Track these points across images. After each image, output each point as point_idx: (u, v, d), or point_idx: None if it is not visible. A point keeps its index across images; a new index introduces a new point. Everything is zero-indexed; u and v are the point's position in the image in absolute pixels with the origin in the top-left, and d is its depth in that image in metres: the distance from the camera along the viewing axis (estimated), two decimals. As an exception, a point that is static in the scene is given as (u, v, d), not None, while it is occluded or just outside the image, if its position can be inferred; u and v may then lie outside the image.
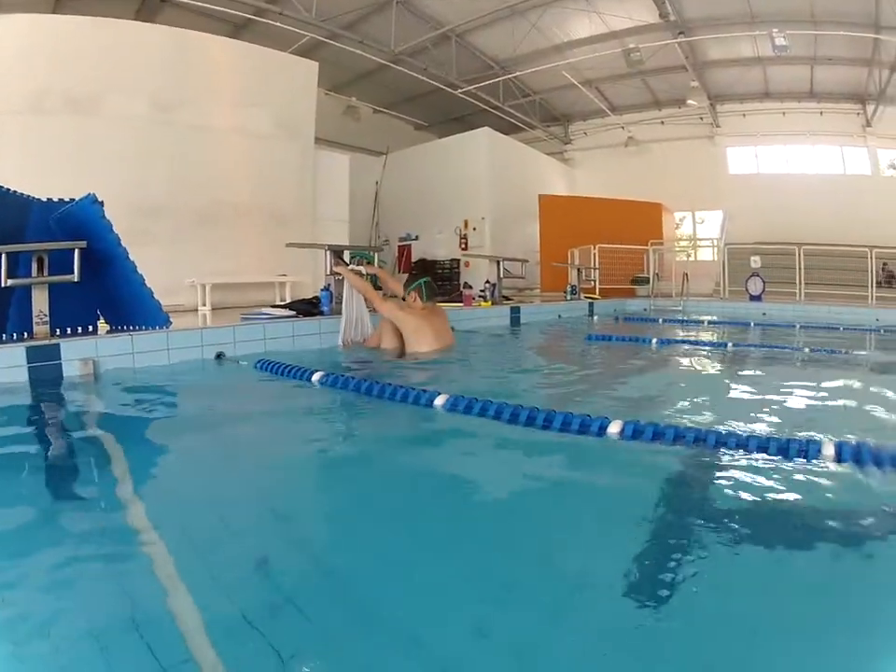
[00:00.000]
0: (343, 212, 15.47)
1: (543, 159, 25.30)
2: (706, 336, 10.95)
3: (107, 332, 6.31)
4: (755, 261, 17.15)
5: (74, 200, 6.17)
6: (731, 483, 2.99)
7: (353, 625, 1.76)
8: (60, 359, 5.32)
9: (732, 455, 3.27)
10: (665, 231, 22.77)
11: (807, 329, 11.56)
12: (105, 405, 4.67)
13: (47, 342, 5.39)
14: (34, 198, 6.34)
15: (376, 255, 9.55)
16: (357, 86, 22.12)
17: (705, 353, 8.58)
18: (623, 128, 26.49)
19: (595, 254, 18.00)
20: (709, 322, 13.29)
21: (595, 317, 14.00)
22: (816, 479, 2.94)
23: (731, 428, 3.75)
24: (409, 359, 6.54)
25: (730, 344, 9.09)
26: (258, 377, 5.74)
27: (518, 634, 1.74)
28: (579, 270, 16.30)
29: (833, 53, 19.88)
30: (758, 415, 4.43)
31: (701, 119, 25.38)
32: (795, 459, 3.15)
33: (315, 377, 5.19)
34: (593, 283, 17.55)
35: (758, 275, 16.53)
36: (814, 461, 3.10)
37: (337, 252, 8.19)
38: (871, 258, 16.23)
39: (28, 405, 4.59)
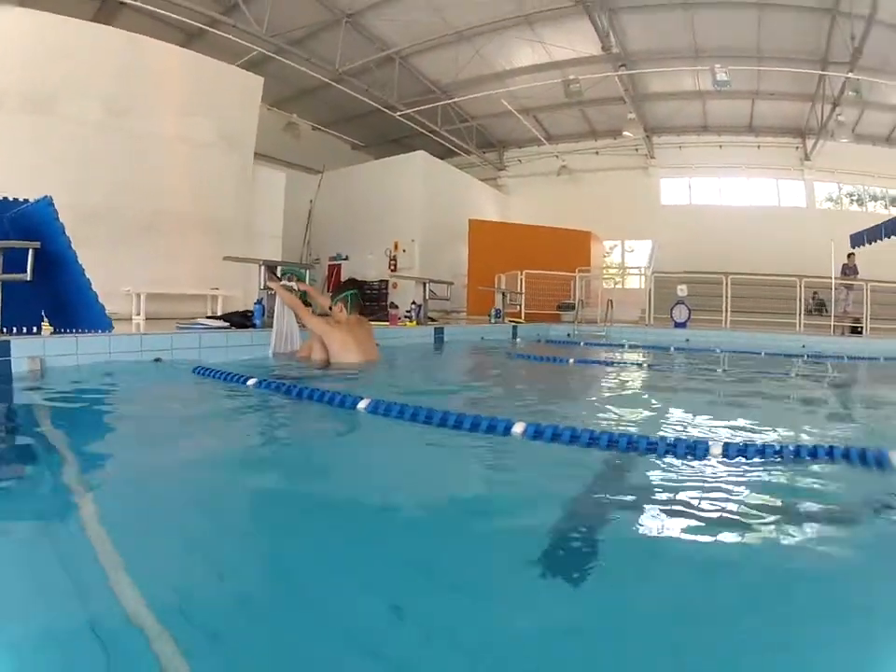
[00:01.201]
0: (277, 228, 15.67)
1: (476, 184, 25.78)
2: (622, 357, 11.39)
3: (52, 333, 6.55)
4: (681, 290, 17.65)
5: (28, 200, 6.38)
6: (632, 477, 3.48)
7: (283, 610, 1.80)
8: (10, 356, 5.53)
9: (630, 454, 3.73)
10: (593, 258, 23.12)
11: (726, 354, 12.10)
12: (51, 401, 4.82)
13: None
14: (-14, 196, 6.48)
15: (307, 272, 9.88)
16: (298, 102, 22.38)
17: (618, 372, 9.15)
18: (557, 156, 26.96)
19: (521, 279, 18.39)
20: (629, 346, 13.67)
21: (518, 340, 14.26)
22: (696, 472, 3.42)
23: (629, 431, 4.26)
24: (335, 369, 6.90)
25: (644, 365, 9.73)
26: (195, 381, 6.02)
27: (437, 614, 1.79)
28: (504, 294, 16.68)
29: (776, 88, 20.77)
30: (657, 421, 5.02)
31: (636, 150, 26.19)
32: (686, 457, 3.59)
33: (250, 381, 5.50)
34: (518, 307, 17.95)
35: (683, 303, 17.15)
36: (703, 459, 3.55)
37: (271, 267, 8.49)
38: (800, 287, 17.16)
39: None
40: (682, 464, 3.57)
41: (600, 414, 5.34)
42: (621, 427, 4.64)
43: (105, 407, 4.90)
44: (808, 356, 11.86)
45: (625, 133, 22.81)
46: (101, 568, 1.88)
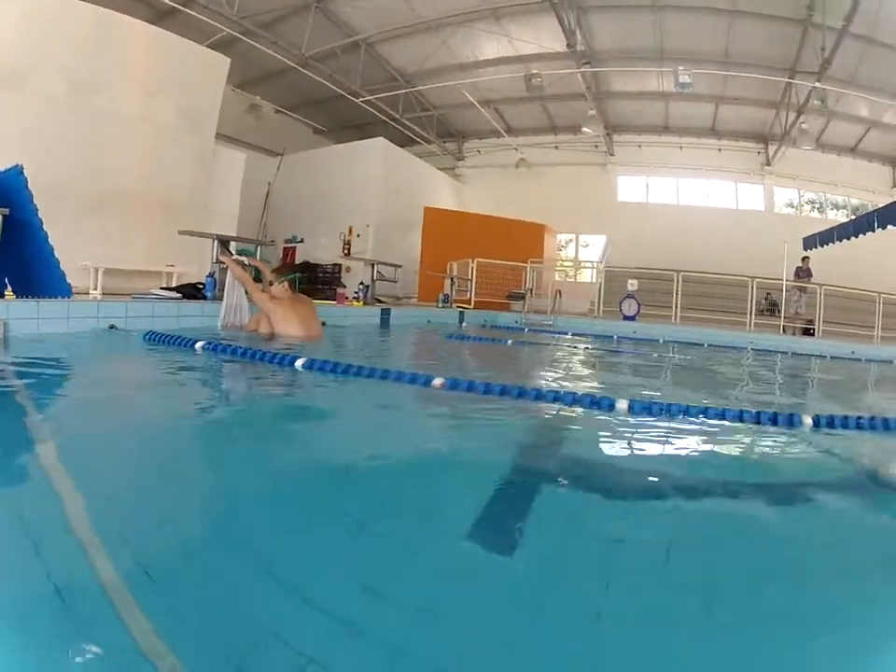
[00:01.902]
0: (233, 208, 15.89)
1: (434, 173, 26.02)
2: (560, 342, 11.90)
3: (14, 299, 6.79)
4: (632, 284, 18.23)
5: None
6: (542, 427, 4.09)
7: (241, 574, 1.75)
8: None
9: (552, 406, 4.37)
10: (546, 251, 23.60)
11: (669, 344, 12.75)
12: (14, 362, 5.02)
13: None
14: (-43, 164, 6.73)
15: (258, 249, 10.24)
16: (263, 84, 22.39)
17: (555, 351, 9.73)
18: (516, 149, 27.26)
19: (472, 267, 18.76)
20: (573, 334, 14.05)
21: (465, 324, 14.65)
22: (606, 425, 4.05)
23: (555, 388, 4.80)
24: (279, 341, 7.31)
25: (582, 346, 10.28)
26: (146, 346, 6.37)
27: (371, 570, 1.82)
28: (452, 280, 17.12)
29: (741, 93, 21.22)
30: (581, 382, 5.68)
31: (596, 146, 26.57)
32: (593, 410, 4.26)
33: (198, 344, 5.95)
34: (469, 295, 18.41)
35: (633, 297, 17.74)
36: (612, 413, 4.20)
37: (224, 242, 8.97)
38: (752, 287, 17.86)
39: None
40: (585, 414, 4.20)
41: (516, 376, 5.96)
42: (528, 383, 5.24)
43: (59, 372, 5.14)
44: (750, 349, 12.44)
45: (585, 129, 22.97)
46: (62, 521, 1.96)
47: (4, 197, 6.38)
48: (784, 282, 18.00)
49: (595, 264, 24.10)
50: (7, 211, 6.17)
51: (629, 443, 3.67)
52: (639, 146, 26.47)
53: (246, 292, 8.16)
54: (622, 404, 4.23)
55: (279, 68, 20.78)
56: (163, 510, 2.21)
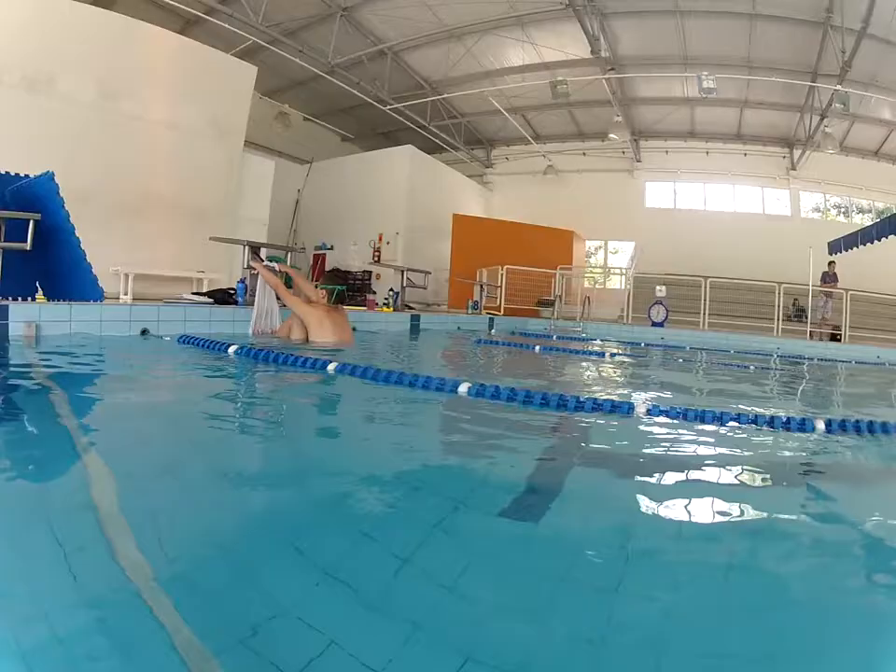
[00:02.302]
0: (263, 215, 15.91)
1: (462, 180, 26.00)
2: (589, 348, 11.70)
3: (46, 301, 6.87)
4: (660, 290, 18.08)
5: (28, 175, 6.72)
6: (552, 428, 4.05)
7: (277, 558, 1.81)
8: (7, 320, 5.87)
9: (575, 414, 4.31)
10: (575, 257, 23.44)
11: (695, 351, 12.56)
12: (47, 362, 5.09)
13: None
14: (-10, 170, 6.78)
15: (289, 255, 10.24)
16: (290, 92, 22.50)
17: (582, 359, 9.65)
18: (544, 156, 27.06)
19: (502, 274, 18.70)
20: (601, 340, 13.97)
21: (494, 331, 14.57)
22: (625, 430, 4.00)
23: (580, 395, 4.74)
24: (311, 347, 7.28)
25: (607, 355, 10.18)
26: (179, 349, 6.40)
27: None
28: (482, 286, 17.07)
29: (764, 98, 20.97)
30: (605, 389, 5.66)
31: (623, 153, 26.33)
32: (611, 414, 4.25)
33: (231, 349, 5.94)
34: (498, 301, 18.33)
35: (661, 303, 17.58)
36: (628, 416, 4.21)
37: (254, 248, 8.94)
38: (779, 293, 17.63)
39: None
40: (606, 420, 4.15)
41: (541, 382, 5.92)
42: (553, 389, 5.19)
43: (93, 371, 5.17)
44: (778, 356, 12.32)
45: (611, 135, 22.85)
46: (96, 512, 1.98)
47: (36, 203, 6.42)
48: (810, 287, 17.75)
49: (623, 271, 23.96)
50: (38, 216, 6.17)
51: (645, 445, 3.68)
52: (666, 151, 26.27)
53: (278, 297, 8.13)
54: (641, 409, 4.28)
55: (306, 76, 20.88)
56: (195, 497, 2.29)
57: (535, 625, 1.55)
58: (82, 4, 12.16)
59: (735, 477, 3.00)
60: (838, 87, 17.71)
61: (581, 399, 4.37)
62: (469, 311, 15.77)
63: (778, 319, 17.78)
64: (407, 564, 1.78)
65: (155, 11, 15.87)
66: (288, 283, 8.76)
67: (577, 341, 13.38)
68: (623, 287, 22.90)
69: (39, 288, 7.24)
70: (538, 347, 10.17)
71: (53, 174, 6.36)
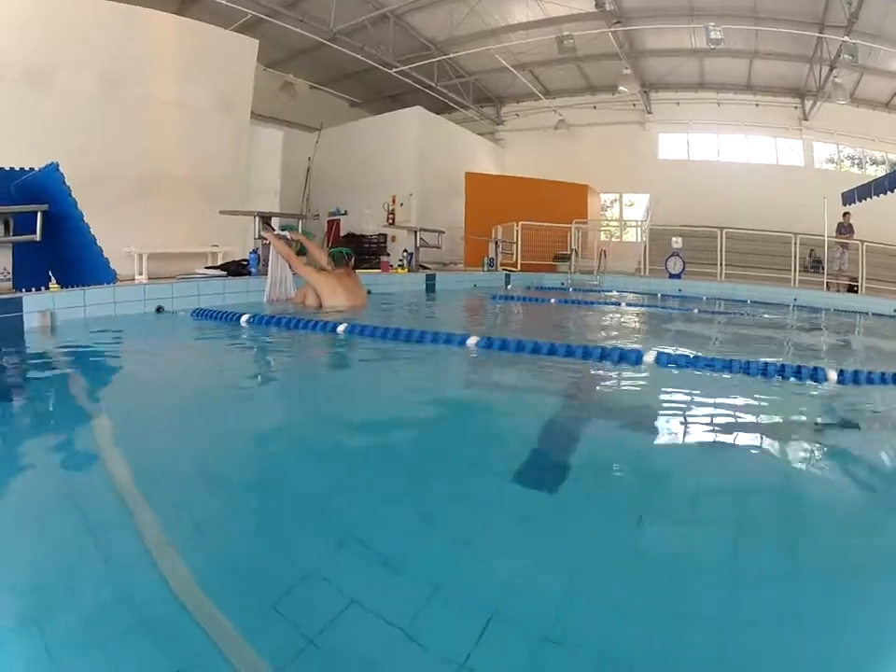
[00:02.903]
0: (275, 185, 15.97)
1: (473, 138, 25.86)
2: (603, 298, 11.79)
3: (59, 289, 6.93)
4: (676, 242, 17.91)
5: (33, 168, 6.76)
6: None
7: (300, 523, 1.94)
8: (22, 311, 5.93)
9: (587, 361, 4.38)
10: (590, 211, 23.30)
11: (711, 301, 12.71)
12: (65, 348, 5.28)
13: (10, 295, 6.02)
14: (-4, 166, 6.86)
15: (300, 222, 10.30)
16: (294, 62, 22.31)
17: (596, 310, 9.71)
18: (554, 111, 26.81)
19: (517, 230, 18.69)
20: (619, 292, 14.02)
21: (510, 287, 14.58)
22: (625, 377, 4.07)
23: (586, 343, 4.80)
24: (325, 312, 7.42)
25: (623, 304, 10.21)
26: (194, 324, 6.55)
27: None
28: (497, 243, 17.06)
29: (773, 49, 20.53)
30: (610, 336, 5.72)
31: (634, 105, 25.92)
32: (620, 364, 4.31)
33: (243, 318, 6.09)
34: (514, 258, 18.34)
35: (678, 255, 17.45)
36: (636, 365, 4.29)
37: (265, 218, 9.03)
38: (794, 243, 17.44)
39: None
40: (615, 370, 4.19)
41: (554, 333, 5.97)
42: (566, 339, 5.25)
43: (111, 353, 5.35)
44: (794, 306, 12.26)
45: (621, 88, 22.73)
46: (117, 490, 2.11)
47: (42, 194, 6.47)
48: (826, 238, 17.60)
49: (639, 223, 23.81)
50: (45, 207, 6.21)
51: (653, 394, 3.78)
52: (677, 103, 25.80)
53: (290, 265, 8.18)
54: (649, 356, 4.33)
55: (309, 45, 20.69)
56: (216, 460, 2.46)
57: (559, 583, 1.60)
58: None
59: (751, 431, 3.02)
60: (846, 38, 17.39)
61: (590, 349, 4.41)
62: (486, 268, 15.74)
63: (795, 270, 17.60)
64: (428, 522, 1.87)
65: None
66: (302, 251, 8.82)
67: (593, 293, 13.38)
68: (639, 239, 22.77)
69: (52, 278, 7.31)
70: (553, 300, 10.19)
71: (57, 164, 6.40)
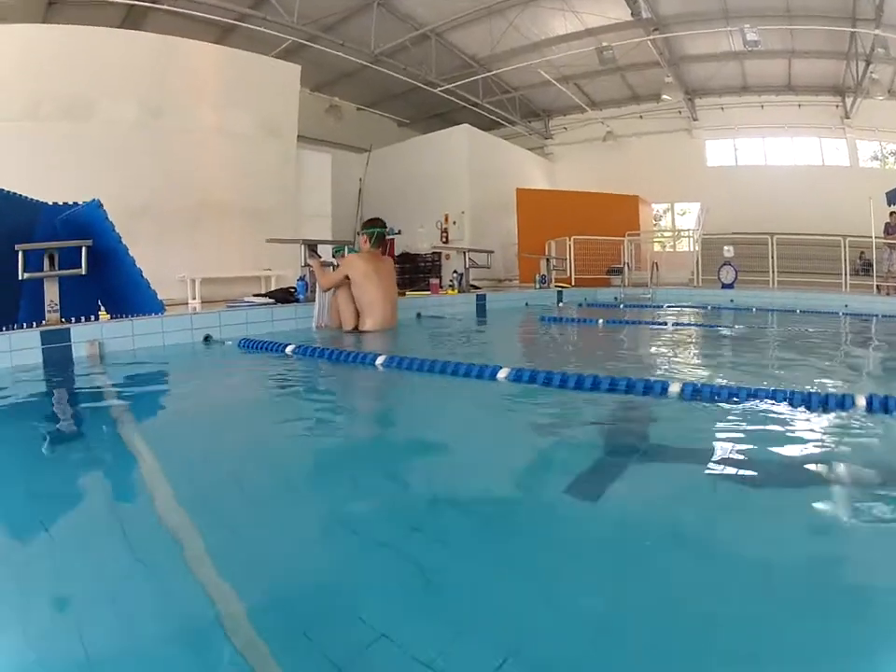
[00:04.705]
0: (325, 208, 16.04)
1: (522, 153, 25.76)
2: (656, 316, 11.53)
3: (109, 319, 7.00)
4: (728, 251, 17.60)
5: (77, 204, 6.88)
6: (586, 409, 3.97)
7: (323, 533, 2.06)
8: (70, 341, 6.00)
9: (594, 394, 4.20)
10: (641, 222, 23.17)
11: (761, 312, 12.30)
12: (112, 380, 5.23)
13: (59, 326, 6.08)
14: (41, 202, 6.98)
15: (345, 249, 10.34)
16: (339, 85, 22.53)
17: (640, 331, 9.55)
18: (602, 122, 26.70)
19: (570, 245, 18.54)
20: (668, 306, 13.65)
21: (562, 304, 14.44)
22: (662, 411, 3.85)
23: (638, 377, 4.61)
24: (362, 326, 7.80)
25: (670, 324, 9.98)
26: (241, 353, 6.52)
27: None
28: (548, 260, 16.94)
29: (809, 47, 20.22)
30: (653, 369, 5.53)
31: (679, 112, 25.70)
32: (658, 397, 4.07)
33: (289, 349, 6.11)
34: (568, 273, 18.19)
35: (730, 264, 17.12)
36: (663, 398, 4.04)
37: (311, 246, 9.10)
38: (844, 246, 16.82)
39: (45, 381, 5.20)
40: (643, 400, 4.03)
41: (594, 364, 5.82)
42: (636, 374, 5.01)
43: (158, 385, 5.35)
44: (844, 314, 11.88)
45: (664, 96, 22.55)
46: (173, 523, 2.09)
47: (86, 228, 6.59)
48: (873, 239, 17.06)
49: (691, 232, 23.59)
50: (90, 242, 6.31)
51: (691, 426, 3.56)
52: (722, 108, 25.54)
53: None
54: (675, 387, 4.10)
55: (353, 68, 20.76)
56: (257, 495, 2.47)
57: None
58: (111, 29, 12.57)
59: (796, 467, 2.83)
60: (877, 31, 17.07)
61: (617, 380, 4.26)
62: (537, 286, 15.60)
63: (846, 274, 16.97)
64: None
65: (188, 24, 15.95)
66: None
67: (643, 310, 13.18)
68: (691, 249, 22.54)
69: (102, 306, 7.41)
70: (600, 321, 10.04)
71: (99, 201, 6.52)
